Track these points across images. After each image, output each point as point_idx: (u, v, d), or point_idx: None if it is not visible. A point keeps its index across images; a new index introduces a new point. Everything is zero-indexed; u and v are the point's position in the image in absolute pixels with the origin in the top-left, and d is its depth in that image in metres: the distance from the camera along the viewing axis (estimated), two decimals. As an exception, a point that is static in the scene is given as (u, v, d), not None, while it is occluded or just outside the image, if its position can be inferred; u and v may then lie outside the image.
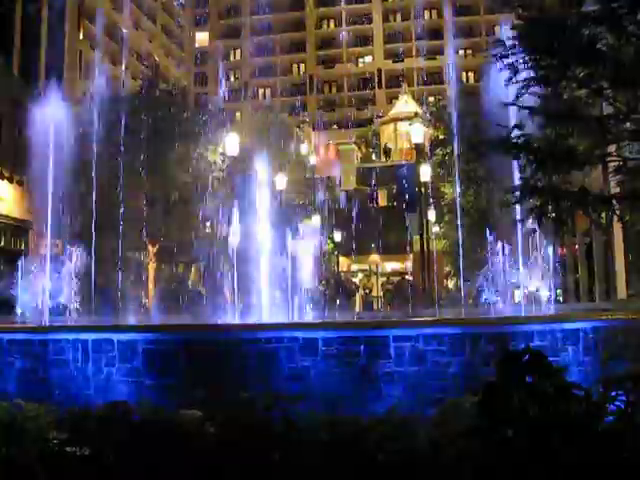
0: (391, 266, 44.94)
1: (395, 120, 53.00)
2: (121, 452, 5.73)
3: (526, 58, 8.33)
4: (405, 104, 53.07)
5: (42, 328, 9.95)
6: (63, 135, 13.93)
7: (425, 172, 22.43)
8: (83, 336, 7.93)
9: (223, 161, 29.58)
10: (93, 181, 18.83)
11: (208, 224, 29.33)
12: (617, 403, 4.49)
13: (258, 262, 13.60)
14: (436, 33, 63.18)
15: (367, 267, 43.72)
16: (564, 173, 8.94)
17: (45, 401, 6.88)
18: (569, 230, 22.28)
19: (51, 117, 13.51)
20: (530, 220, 8.94)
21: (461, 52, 62.62)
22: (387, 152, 52.56)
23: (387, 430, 5.74)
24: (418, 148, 22.86)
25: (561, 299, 23.77)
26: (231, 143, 20.55)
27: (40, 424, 6.19)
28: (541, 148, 8.43)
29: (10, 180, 24.57)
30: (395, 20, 68.84)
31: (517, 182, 9.16)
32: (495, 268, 13.30)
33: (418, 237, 23.86)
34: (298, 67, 69.43)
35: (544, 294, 13.74)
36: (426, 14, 66.42)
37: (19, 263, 14.08)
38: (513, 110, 9.00)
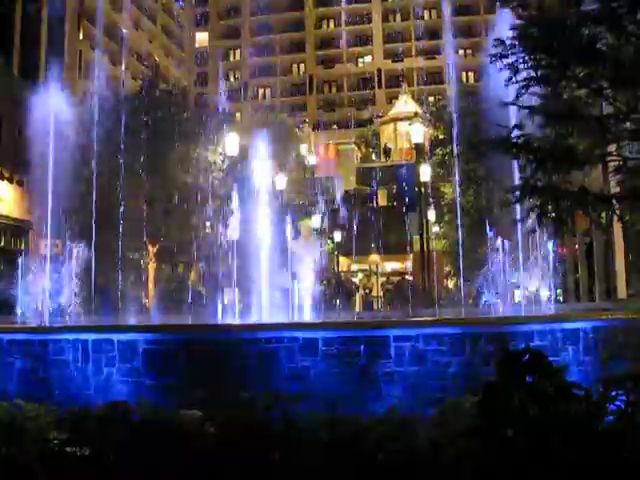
0: (391, 266, 44.91)
1: (395, 120, 52.97)
2: (121, 452, 5.73)
3: (526, 58, 8.33)
4: (405, 104, 53.03)
5: (42, 328, 9.95)
6: (63, 135, 13.93)
7: (425, 172, 22.44)
8: (83, 336, 7.93)
9: (223, 161, 29.60)
10: (93, 181, 18.83)
11: (208, 224, 29.32)
12: (617, 403, 4.49)
13: (258, 262, 13.60)
14: (436, 33, 63.17)
15: (367, 267, 43.71)
16: (564, 173, 8.94)
17: (45, 401, 6.88)
18: (569, 230, 22.26)
19: (51, 117, 13.51)
20: (530, 220, 8.93)
21: (461, 52, 62.58)
22: (387, 152, 52.52)
23: (387, 430, 5.73)
24: (418, 148, 22.85)
25: (561, 299, 23.76)
26: (231, 143, 20.56)
27: (40, 424, 6.19)
28: (541, 148, 8.43)
29: (10, 180, 24.58)
30: (395, 20, 68.78)
31: (517, 182, 9.16)
32: (495, 268, 13.30)
33: (418, 237, 23.85)
34: (298, 67, 69.41)
35: (544, 294, 13.73)
36: (425, 14, 66.40)
37: (19, 263, 14.07)
38: (513, 110, 9.00)
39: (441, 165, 30.11)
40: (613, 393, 4.52)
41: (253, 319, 12.48)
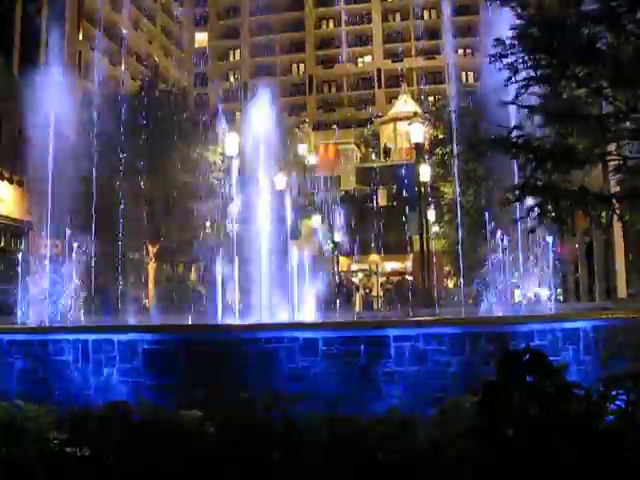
0: (391, 266, 44.94)
1: (395, 120, 52.98)
2: (121, 452, 5.72)
3: (525, 58, 8.33)
4: (404, 104, 53.04)
5: (42, 329, 9.95)
6: (63, 135, 13.93)
7: (425, 172, 22.41)
8: (83, 336, 7.92)
9: (223, 161, 29.60)
10: (93, 181, 18.84)
11: (208, 224, 29.35)
12: (617, 402, 4.48)
13: (259, 262, 13.59)
14: (435, 33, 63.17)
15: (367, 267, 43.73)
16: (564, 172, 8.94)
17: (45, 401, 6.88)
18: (569, 229, 22.26)
19: (51, 117, 13.51)
20: (529, 220, 8.93)
21: (460, 51, 62.58)
22: (387, 152, 52.54)
23: (387, 430, 5.73)
24: (418, 148, 22.83)
25: (561, 298, 23.76)
26: (231, 143, 20.54)
27: (40, 424, 6.19)
28: (541, 147, 8.43)
29: (10, 181, 24.56)
30: (394, 20, 68.81)
31: (517, 181, 9.17)
32: (495, 268, 13.29)
33: (418, 237, 23.84)
34: (298, 67, 69.41)
35: (544, 294, 13.73)
36: (425, 14, 66.40)
37: (19, 264, 14.06)
38: (513, 109, 9.00)
39: (441, 165, 30.11)
40: (613, 392, 4.52)
41: (253, 319, 12.47)
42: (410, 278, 36.55)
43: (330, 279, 29.47)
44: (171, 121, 29.26)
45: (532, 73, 8.43)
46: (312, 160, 44.30)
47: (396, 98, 57.59)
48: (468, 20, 59.59)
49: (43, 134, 13.70)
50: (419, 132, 21.93)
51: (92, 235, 16.66)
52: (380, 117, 58.25)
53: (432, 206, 28.93)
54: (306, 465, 5.39)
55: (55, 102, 13.82)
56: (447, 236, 30.48)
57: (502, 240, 13.19)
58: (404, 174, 38.90)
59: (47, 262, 13.41)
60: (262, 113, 14.48)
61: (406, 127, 34.96)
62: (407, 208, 32.94)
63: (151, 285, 30.05)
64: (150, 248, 29.76)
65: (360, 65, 68.56)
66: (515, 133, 8.47)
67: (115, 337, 7.76)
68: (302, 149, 42.56)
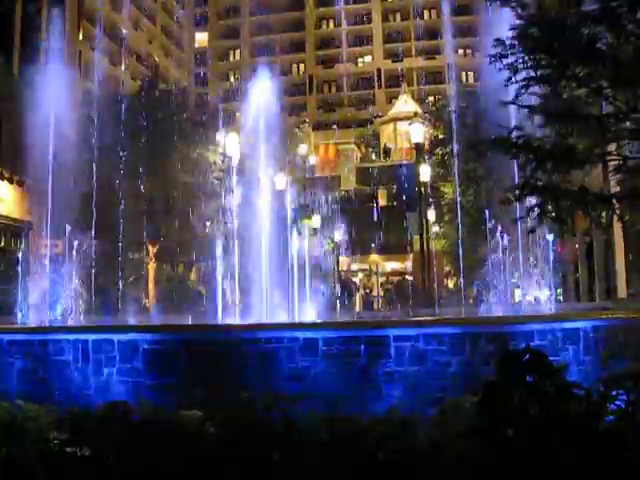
0: (391, 266, 44.94)
1: (395, 120, 52.96)
2: (121, 452, 5.73)
3: (525, 58, 8.33)
4: (405, 104, 53.04)
5: (42, 329, 9.96)
6: (63, 135, 13.92)
7: (425, 172, 22.40)
8: (83, 336, 7.92)
9: (223, 161, 29.60)
10: (93, 181, 18.84)
11: (208, 224, 29.34)
12: (618, 402, 4.48)
13: (259, 262, 13.59)
14: (435, 33, 63.18)
15: (367, 267, 43.74)
16: (564, 172, 8.94)
17: (45, 401, 6.88)
18: (569, 229, 22.26)
19: (51, 117, 13.51)
20: (529, 219, 8.93)
21: (460, 51, 62.59)
22: (387, 152, 52.54)
23: (387, 430, 5.73)
24: (418, 148, 22.82)
25: (561, 298, 23.76)
26: (231, 143, 20.52)
27: (40, 424, 6.19)
28: (541, 147, 8.43)
29: (10, 181, 24.54)
30: (395, 20, 68.81)
31: (517, 181, 9.16)
32: (495, 268, 13.28)
33: (418, 237, 23.84)
34: (298, 67, 69.40)
35: (544, 295, 13.73)
36: (425, 14, 66.41)
37: (19, 264, 14.07)
38: (513, 109, 9.00)
39: (441, 165, 30.10)
40: (613, 392, 4.52)
41: (253, 319, 12.48)
42: (410, 278, 36.53)
43: (330, 279, 29.50)
44: (171, 121, 29.27)
45: (532, 73, 8.43)
46: (312, 160, 44.31)
47: (396, 98, 57.58)
48: (468, 20, 59.58)
49: (43, 134, 13.70)
50: (419, 132, 21.93)
51: (92, 235, 16.66)
52: (380, 117, 58.26)
53: (432, 206, 28.91)
54: (306, 465, 5.39)
55: (55, 102, 13.82)
56: (447, 236, 30.47)
57: (502, 240, 13.19)
58: (404, 174, 38.88)
59: (47, 262, 13.41)
60: (262, 92, 14.29)
61: (406, 127, 34.95)
62: (407, 208, 32.96)
63: (151, 285, 30.05)
64: (150, 248, 29.76)
65: (360, 65, 68.56)
66: (515, 133, 8.46)
67: (115, 337, 7.76)
68: (302, 149, 42.56)
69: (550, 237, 13.12)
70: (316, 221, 34.15)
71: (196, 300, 22.83)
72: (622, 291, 19.90)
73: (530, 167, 8.48)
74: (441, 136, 31.56)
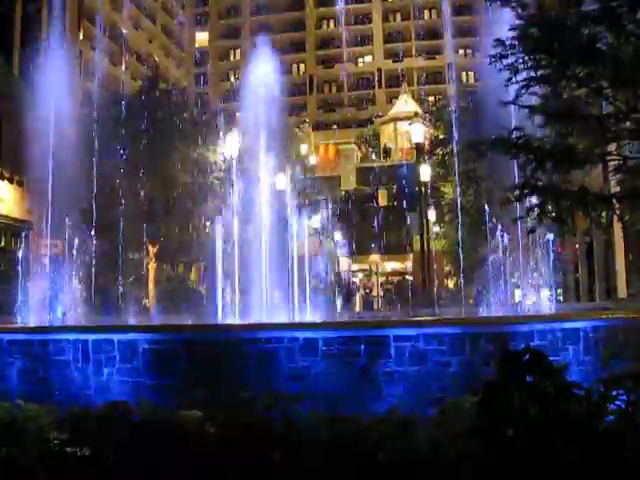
0: (391, 266, 44.96)
1: (395, 120, 52.97)
2: (121, 452, 5.72)
3: (525, 58, 8.33)
4: (405, 104, 53.04)
5: (42, 328, 9.95)
6: (63, 135, 13.92)
7: (425, 172, 22.41)
8: (83, 336, 7.93)
9: (224, 161, 29.59)
10: (93, 181, 18.84)
11: (208, 224, 29.33)
12: (618, 402, 4.48)
13: (259, 262, 13.59)
14: (435, 33, 63.20)
15: (367, 267, 43.74)
16: (564, 172, 8.94)
17: (45, 401, 6.88)
18: (569, 229, 22.25)
19: (51, 117, 13.51)
20: (529, 219, 8.93)
21: (460, 51, 62.61)
22: (387, 152, 52.54)
23: (387, 430, 5.73)
24: (418, 148, 22.82)
25: (561, 298, 23.76)
26: (231, 143, 20.53)
27: (40, 424, 6.19)
28: (541, 147, 8.43)
29: (10, 181, 24.54)
30: (395, 20, 68.83)
31: (517, 181, 9.16)
32: (495, 269, 13.28)
33: (418, 237, 23.85)
34: (298, 67, 69.40)
35: (544, 294, 13.72)
36: (425, 14, 66.43)
37: (19, 264, 14.07)
38: (513, 109, 9.00)
39: (441, 165, 30.11)
40: (614, 393, 4.52)
41: (253, 319, 12.48)
42: (410, 278, 36.53)
43: (331, 279, 29.49)
44: (171, 121, 29.27)
45: (532, 73, 8.43)
46: (312, 160, 44.31)
47: (396, 98, 57.59)
48: (468, 20, 59.59)
49: (43, 134, 13.70)
50: (419, 132, 21.94)
51: (92, 235, 16.66)
52: (380, 117, 58.27)
53: (432, 206, 28.91)
54: (306, 465, 5.39)
55: (55, 102, 13.82)
56: (447, 236, 30.48)
57: (502, 240, 13.19)
58: (404, 174, 38.88)
59: (47, 262, 13.41)
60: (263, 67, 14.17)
61: (406, 127, 35.01)
62: (407, 208, 32.96)
63: (151, 285, 30.05)
64: (150, 248, 29.75)
65: (360, 65, 68.57)
66: (515, 134, 8.46)
67: (115, 337, 7.76)
68: (302, 149, 42.57)
69: (550, 237, 13.11)
70: (316, 221, 34.15)
71: (196, 300, 22.82)
72: (622, 291, 19.91)
73: (530, 167, 8.48)
74: (441, 136, 31.57)
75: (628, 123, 8.54)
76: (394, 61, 65.85)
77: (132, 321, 12.98)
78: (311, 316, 14.20)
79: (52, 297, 12.53)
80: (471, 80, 59.61)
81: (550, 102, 8.77)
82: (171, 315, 15.57)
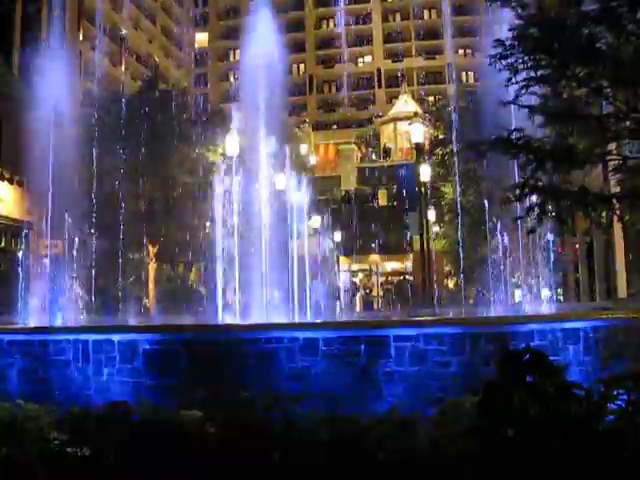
0: (391, 266, 44.96)
1: (395, 120, 53.00)
2: (121, 452, 5.72)
3: (525, 58, 8.33)
4: (405, 104, 53.07)
5: (42, 329, 9.94)
6: (63, 135, 13.92)
7: (425, 172, 22.39)
8: (83, 337, 7.93)
9: (224, 161, 29.56)
10: (93, 181, 18.85)
11: (208, 224, 29.34)
12: (618, 402, 4.48)
13: (259, 262, 13.59)
14: (435, 33, 63.20)
15: (367, 267, 43.76)
16: (564, 172, 8.94)
17: (45, 401, 6.88)
18: (569, 229, 22.27)
19: (51, 117, 13.50)
20: (530, 219, 8.93)
21: (460, 51, 62.63)
22: (387, 152, 52.56)
23: (387, 430, 5.73)
24: (418, 148, 22.81)
25: (561, 298, 23.77)
26: (231, 143, 20.50)
27: (40, 424, 6.19)
28: (541, 147, 8.43)
29: (10, 181, 24.54)
30: (395, 20, 68.82)
31: (517, 180, 9.16)
32: (495, 269, 13.28)
33: (418, 237, 23.84)
34: (298, 67, 69.39)
35: (544, 294, 13.74)
36: (425, 14, 66.44)
37: (19, 264, 14.07)
38: (513, 109, 9.00)
39: (441, 165, 30.11)
40: (614, 392, 4.51)
41: (253, 319, 12.48)
42: (410, 278, 36.55)
43: (331, 279, 29.49)
44: (171, 121, 29.27)
45: (532, 73, 8.43)
46: (312, 160, 44.32)
47: (396, 98, 57.61)
48: (468, 20, 59.60)
49: (43, 134, 13.70)
50: (419, 132, 21.92)
51: (92, 235, 16.66)
52: (380, 117, 58.29)
53: (432, 206, 28.90)
54: (306, 465, 5.39)
55: (55, 102, 13.82)
56: (447, 236, 30.48)
57: (502, 240, 13.19)
58: (404, 174, 38.90)
59: (47, 262, 13.41)
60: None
61: (406, 127, 35.00)
62: (407, 208, 32.97)
63: (151, 285, 30.06)
64: (150, 248, 29.76)
65: (360, 65, 68.57)
66: (515, 134, 8.46)
67: (115, 337, 7.77)
68: (302, 149, 42.58)
69: (550, 237, 13.13)
70: (316, 221, 34.15)
71: (196, 300, 22.83)
72: (622, 291, 19.91)
73: (530, 167, 8.48)
74: (441, 136, 31.57)
75: (628, 123, 8.53)
76: (394, 61, 65.85)
77: (132, 321, 12.98)
78: (311, 316, 14.21)
79: (52, 301, 12.53)
80: (471, 80, 59.62)
81: (550, 102, 8.76)
82: (171, 315, 15.57)
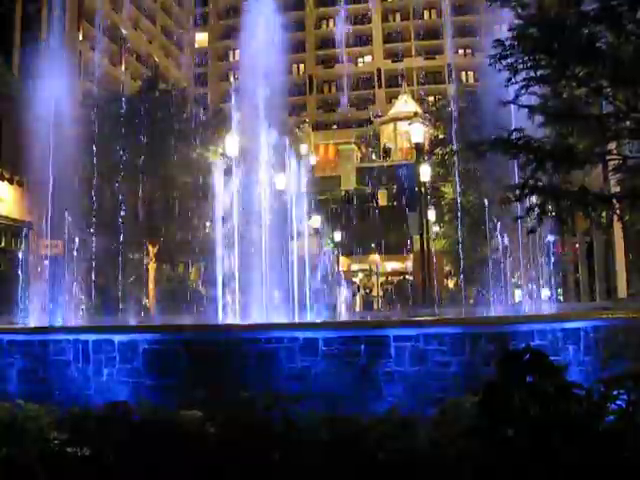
0: (391, 266, 44.97)
1: (395, 120, 53.02)
2: (121, 452, 5.72)
3: (525, 58, 8.33)
4: (405, 104, 53.08)
5: (42, 329, 9.94)
6: (63, 135, 13.92)
7: (425, 172, 22.39)
8: (83, 337, 7.92)
9: (224, 161, 29.53)
10: (93, 181, 18.85)
11: (208, 224, 29.34)
12: (618, 402, 4.48)
13: (259, 262, 13.57)
14: (435, 33, 63.21)
15: (367, 267, 43.76)
16: (564, 172, 8.94)
17: (45, 401, 6.88)
18: (569, 229, 22.27)
19: (51, 117, 13.50)
20: (530, 219, 8.93)
21: (460, 51, 62.64)
22: (387, 152, 52.57)
23: (387, 430, 5.73)
24: (418, 148, 22.81)
25: (561, 298, 23.77)
26: (231, 143, 20.49)
27: (40, 424, 6.19)
28: (541, 147, 8.43)
29: (10, 181, 24.53)
30: (394, 20, 68.84)
31: (517, 180, 9.16)
32: (495, 269, 13.28)
33: (418, 237, 23.84)
34: (298, 67, 69.38)
35: (544, 294, 13.74)
36: (425, 14, 66.47)
37: (19, 264, 14.07)
38: (513, 109, 9.00)
39: (441, 165, 30.11)
40: (614, 392, 4.51)
41: (253, 319, 12.47)
42: (410, 278, 36.55)
43: (332, 280, 29.44)
44: (171, 121, 29.28)
45: (532, 73, 8.43)
46: (312, 160, 44.28)
47: (396, 98, 57.64)
48: (468, 20, 59.61)
49: (43, 134, 13.70)
50: (419, 132, 21.92)
51: (92, 235, 16.66)
52: (380, 117, 58.30)
53: (432, 206, 28.90)
54: (306, 465, 5.39)
55: (55, 102, 13.81)
56: (447, 236, 30.49)
57: (502, 240, 13.19)
58: (404, 174, 38.90)
59: (47, 262, 13.41)
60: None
61: (406, 127, 35.01)
62: (407, 208, 32.97)
63: (151, 285, 30.05)
64: (150, 248, 29.76)
65: (360, 65, 68.59)
66: (515, 134, 8.46)
67: (115, 337, 7.76)
68: (302, 149, 42.57)
69: (551, 239, 13.13)
70: (316, 221, 34.15)
71: (196, 300, 22.83)
72: (622, 291, 19.91)
73: (530, 167, 8.48)
74: (441, 136, 31.57)
75: (628, 122, 8.54)
76: (394, 61, 65.87)
77: (132, 321, 12.98)
78: (311, 315, 14.20)
79: (52, 301, 12.53)
80: (471, 80, 59.65)
81: (550, 102, 8.76)
82: (171, 315, 15.56)
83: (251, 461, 5.41)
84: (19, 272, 13.67)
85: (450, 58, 58.80)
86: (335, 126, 64.06)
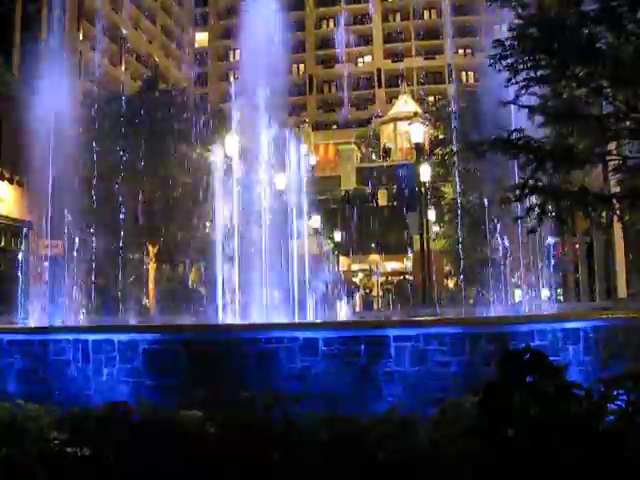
0: (391, 266, 44.98)
1: (395, 120, 53.03)
2: (121, 452, 5.72)
3: (525, 58, 8.33)
4: (405, 104, 53.10)
5: (42, 329, 9.94)
6: (63, 135, 13.92)
7: (425, 172, 22.40)
8: (83, 336, 7.92)
9: (224, 161, 29.52)
10: (93, 181, 18.85)
11: (208, 224, 29.34)
12: (618, 402, 4.48)
13: (259, 262, 13.56)
14: (435, 33, 63.22)
15: (367, 267, 43.77)
16: (564, 172, 8.94)
17: (45, 401, 6.88)
18: (569, 229, 22.27)
19: (51, 117, 13.50)
20: (529, 219, 8.93)
21: (460, 51, 62.65)
22: (387, 152, 52.58)
23: (387, 430, 5.73)
24: (418, 148, 22.81)
25: (561, 298, 23.78)
26: (231, 143, 20.48)
27: (40, 424, 6.19)
28: (541, 147, 8.43)
29: (10, 181, 24.53)
30: (395, 20, 68.86)
31: (517, 180, 9.17)
32: (495, 269, 13.28)
33: (418, 237, 23.84)
34: (298, 67, 69.38)
35: (544, 294, 13.73)
36: (425, 14, 66.48)
37: (19, 264, 14.07)
38: (513, 109, 9.00)
39: (441, 165, 30.11)
40: (614, 392, 4.51)
41: (253, 319, 12.47)
42: (410, 278, 36.55)
43: (332, 280, 29.46)
44: (171, 121, 29.28)
45: (532, 74, 8.43)
46: (312, 160, 44.25)
47: (396, 98, 57.66)
48: (468, 20, 59.61)
49: (43, 134, 13.70)
50: (419, 132, 21.92)
51: (92, 235, 16.66)
52: (379, 116, 58.31)
53: (432, 206, 28.91)
54: (306, 465, 5.39)
55: (55, 102, 13.81)
56: (447, 236, 30.49)
57: (502, 240, 13.19)
58: (404, 174, 38.89)
59: (47, 262, 13.41)
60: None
61: (406, 127, 34.95)
62: (407, 208, 32.95)
63: (151, 285, 30.05)
64: (150, 248, 29.76)
65: (360, 65, 68.59)
66: (515, 134, 8.46)
67: (115, 337, 7.76)
68: (302, 149, 42.51)
69: (551, 241, 13.13)
70: (316, 221, 34.14)
71: (196, 300, 22.82)
72: (622, 291, 19.91)
73: (530, 167, 8.48)
74: (441, 136, 31.58)
75: (628, 122, 8.54)
76: (394, 61, 65.89)
77: (132, 321, 12.97)
78: (311, 315, 14.20)
79: (51, 302, 12.53)
80: (471, 80, 59.67)
81: (550, 102, 8.77)
82: (171, 315, 15.56)
83: (251, 461, 5.41)
84: (19, 272, 13.67)
85: (450, 58, 58.85)
86: (335, 126, 64.04)
